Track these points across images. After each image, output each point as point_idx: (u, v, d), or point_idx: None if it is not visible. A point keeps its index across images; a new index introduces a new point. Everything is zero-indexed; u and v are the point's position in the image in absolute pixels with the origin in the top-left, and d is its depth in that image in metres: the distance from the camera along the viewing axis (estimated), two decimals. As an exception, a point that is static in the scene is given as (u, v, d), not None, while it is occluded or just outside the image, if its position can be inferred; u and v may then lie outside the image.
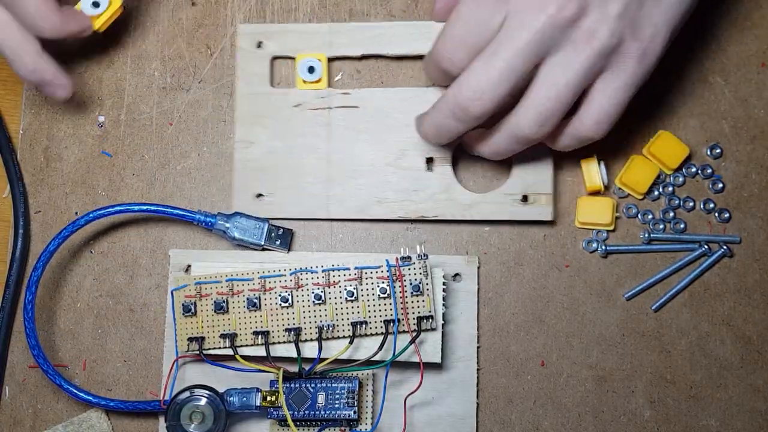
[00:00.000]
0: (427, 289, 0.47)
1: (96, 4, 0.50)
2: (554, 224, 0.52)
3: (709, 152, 0.52)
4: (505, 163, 0.51)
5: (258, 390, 0.47)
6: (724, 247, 0.51)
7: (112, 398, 0.49)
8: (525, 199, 0.50)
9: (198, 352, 0.48)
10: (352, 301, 0.48)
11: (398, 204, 0.51)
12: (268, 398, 0.47)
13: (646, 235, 0.51)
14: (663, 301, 0.51)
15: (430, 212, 0.51)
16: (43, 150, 0.53)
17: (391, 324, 0.47)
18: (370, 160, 0.51)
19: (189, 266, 0.51)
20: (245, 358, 0.47)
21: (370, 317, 0.48)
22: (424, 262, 0.48)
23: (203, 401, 0.47)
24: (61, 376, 0.48)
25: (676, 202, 0.52)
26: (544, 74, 0.43)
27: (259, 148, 0.52)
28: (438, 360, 0.48)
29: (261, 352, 0.48)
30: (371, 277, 0.48)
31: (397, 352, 0.47)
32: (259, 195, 0.51)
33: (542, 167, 0.50)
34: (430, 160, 0.51)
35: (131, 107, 0.53)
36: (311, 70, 0.52)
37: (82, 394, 0.48)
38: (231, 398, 0.47)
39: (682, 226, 0.51)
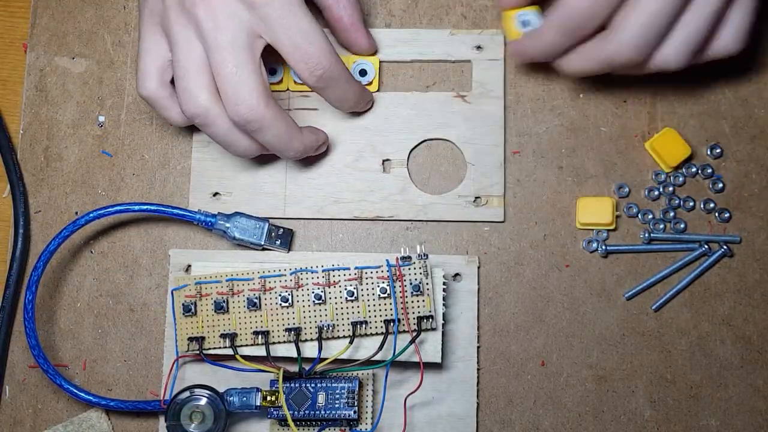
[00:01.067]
0: (428, 289, 0.47)
1: (363, 72, 0.52)
2: (553, 224, 0.52)
3: (709, 152, 0.52)
4: (460, 166, 0.52)
5: (258, 390, 0.47)
6: (724, 247, 0.51)
7: (112, 398, 0.49)
8: (477, 200, 0.51)
9: (198, 352, 0.48)
10: (352, 300, 0.48)
11: (354, 204, 0.52)
12: (268, 398, 0.47)
13: (647, 235, 0.51)
14: (663, 300, 0.51)
15: (385, 212, 0.51)
16: (44, 150, 0.53)
17: (392, 324, 0.47)
18: (328, 162, 0.52)
19: (189, 266, 0.51)
20: (245, 357, 0.47)
21: (370, 317, 0.48)
22: (425, 261, 0.48)
23: (203, 401, 0.47)
24: (61, 376, 0.48)
25: (677, 201, 0.51)
26: (692, 6, 0.44)
27: (218, 147, 0.52)
28: (438, 360, 0.48)
29: (261, 351, 0.48)
30: (371, 277, 0.48)
31: (397, 352, 0.47)
32: (216, 194, 0.52)
33: (494, 170, 0.52)
34: (386, 162, 0.52)
35: (131, 107, 0.53)
36: (273, 71, 0.52)
37: (82, 394, 0.48)
38: (231, 398, 0.47)
39: (682, 226, 0.51)
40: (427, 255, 0.48)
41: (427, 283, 0.47)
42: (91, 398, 0.49)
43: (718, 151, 0.52)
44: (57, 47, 0.54)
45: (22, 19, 0.55)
